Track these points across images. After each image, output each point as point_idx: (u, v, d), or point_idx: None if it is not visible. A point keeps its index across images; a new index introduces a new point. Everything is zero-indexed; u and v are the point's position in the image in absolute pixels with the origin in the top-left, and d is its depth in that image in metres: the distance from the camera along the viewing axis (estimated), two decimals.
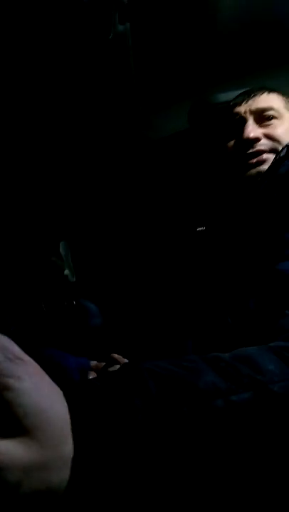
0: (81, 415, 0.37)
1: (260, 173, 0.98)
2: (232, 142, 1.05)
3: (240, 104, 1.05)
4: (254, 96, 1.05)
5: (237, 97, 1.09)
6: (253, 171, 1.00)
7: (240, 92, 1.10)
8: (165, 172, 1.31)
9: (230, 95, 1.16)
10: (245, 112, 1.03)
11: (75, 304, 1.35)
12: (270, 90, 1.07)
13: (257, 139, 0.99)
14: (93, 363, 1.02)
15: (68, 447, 0.35)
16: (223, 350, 0.56)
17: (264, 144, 1.00)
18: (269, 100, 1.04)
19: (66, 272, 1.46)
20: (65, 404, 0.37)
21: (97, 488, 0.36)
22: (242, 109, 1.04)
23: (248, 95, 1.06)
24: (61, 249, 1.48)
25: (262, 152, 0.99)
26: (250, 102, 1.04)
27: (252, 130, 1.00)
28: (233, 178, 1.05)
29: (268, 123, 1.02)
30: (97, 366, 1.00)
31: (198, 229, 1.13)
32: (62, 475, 0.34)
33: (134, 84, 1.12)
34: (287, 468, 0.48)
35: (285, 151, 0.95)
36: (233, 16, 1.10)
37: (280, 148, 0.97)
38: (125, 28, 1.05)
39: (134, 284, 1.26)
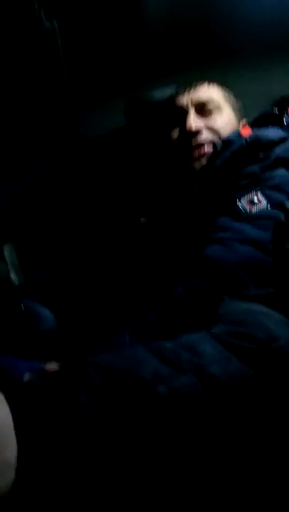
0: (23, 417, 0.38)
1: (200, 166, 1.01)
2: (175, 133, 1.07)
3: (182, 95, 1.07)
4: (195, 87, 1.07)
5: (178, 88, 1.12)
6: (196, 164, 1.02)
7: (171, 87, 1.11)
8: (103, 167, 1.31)
9: (166, 92, 1.17)
10: (187, 103, 1.05)
11: (23, 308, 1.32)
12: (211, 82, 1.09)
13: (199, 131, 1.02)
14: (50, 365, 1.01)
15: (12, 451, 0.36)
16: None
17: (205, 136, 1.02)
18: (209, 92, 1.07)
19: (12, 276, 1.42)
20: (7, 408, 0.37)
21: (43, 488, 0.36)
22: (184, 100, 1.06)
23: (189, 87, 1.08)
24: (5, 252, 1.44)
25: (203, 145, 1.01)
26: (191, 93, 1.06)
27: (194, 122, 1.02)
28: (174, 169, 1.06)
29: (208, 115, 1.05)
30: (54, 368, 0.99)
31: (142, 219, 1.14)
32: (6, 478, 0.35)
33: (65, 82, 1.10)
34: (232, 447, 0.50)
35: (220, 144, 0.97)
36: (160, 15, 1.10)
37: (218, 139, 0.99)
38: (53, 26, 1.02)
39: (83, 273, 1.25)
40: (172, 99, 1.09)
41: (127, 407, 0.44)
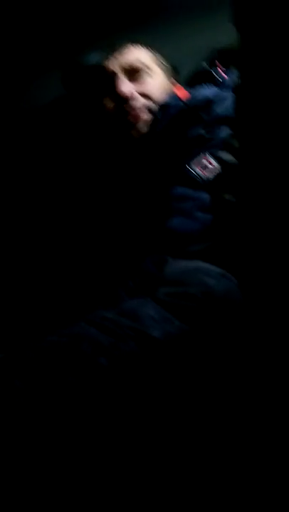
0: None
1: (140, 133, 0.98)
2: (108, 101, 1.05)
3: (109, 61, 1.05)
4: (121, 51, 1.05)
5: (104, 52, 1.08)
6: (134, 132, 1.01)
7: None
8: (49, 141, 1.27)
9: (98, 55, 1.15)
10: (114, 68, 1.03)
11: None
12: (136, 43, 1.07)
13: (131, 96, 1.00)
14: None
15: None
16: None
17: (138, 101, 1.01)
18: (137, 54, 1.05)
19: None
20: None
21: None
22: (112, 65, 1.04)
23: (117, 50, 1.05)
24: None
25: (137, 109, 1.00)
26: (118, 57, 1.04)
27: (123, 86, 1.00)
28: (115, 139, 1.05)
29: (139, 79, 1.03)
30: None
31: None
32: None
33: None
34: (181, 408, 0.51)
35: (160, 112, 0.96)
36: None
37: (154, 104, 0.97)
38: None
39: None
40: (100, 66, 1.06)
41: (70, 386, 0.45)
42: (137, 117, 1.00)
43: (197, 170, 0.87)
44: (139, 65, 1.03)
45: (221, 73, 1.10)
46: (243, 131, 0.77)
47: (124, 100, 1.00)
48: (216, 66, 1.12)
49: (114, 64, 1.04)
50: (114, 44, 1.07)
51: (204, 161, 0.87)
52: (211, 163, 0.86)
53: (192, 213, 0.82)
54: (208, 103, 0.95)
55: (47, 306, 1.07)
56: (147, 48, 1.08)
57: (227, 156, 0.81)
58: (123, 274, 0.87)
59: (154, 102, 1.01)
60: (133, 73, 1.03)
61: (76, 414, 0.44)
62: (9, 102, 1.20)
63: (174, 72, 1.16)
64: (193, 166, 0.87)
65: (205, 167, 0.86)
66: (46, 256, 1.16)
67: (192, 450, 0.52)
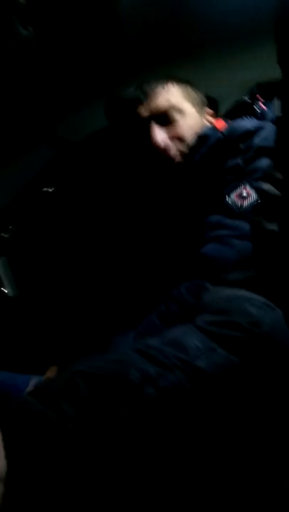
0: (11, 433, 0.38)
1: (176, 167, 1.01)
2: (143, 145, 1.06)
3: (140, 105, 1.06)
4: (152, 94, 1.05)
5: (134, 95, 1.09)
6: (170, 166, 1.02)
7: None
8: (89, 170, 1.31)
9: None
10: (147, 114, 1.04)
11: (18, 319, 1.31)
12: (166, 82, 1.07)
13: (167, 147, 1.02)
14: (51, 372, 0.99)
15: (1, 465, 0.36)
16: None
17: (173, 148, 1.03)
18: (168, 97, 1.05)
19: (6, 288, 1.41)
20: None
21: (31, 500, 0.37)
22: (143, 110, 1.05)
23: (145, 94, 1.06)
24: None
25: (175, 156, 1.01)
26: (150, 102, 1.05)
27: (158, 136, 1.02)
28: (154, 167, 1.07)
29: (171, 122, 1.04)
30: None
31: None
32: None
33: (44, 87, 1.11)
34: (228, 439, 0.49)
35: (196, 140, 0.98)
36: (134, 15, 1.12)
37: (187, 147, 0.99)
38: (29, 32, 1.03)
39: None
40: (133, 105, 1.08)
41: (116, 413, 0.44)
42: (172, 164, 1.01)
43: (234, 199, 0.87)
44: (169, 108, 1.04)
45: (261, 106, 1.11)
46: (286, 161, 0.77)
47: (160, 150, 1.02)
48: (256, 99, 1.14)
49: (147, 109, 1.05)
50: (146, 85, 1.08)
51: (242, 191, 0.87)
52: (248, 193, 0.86)
53: (227, 240, 0.82)
54: (248, 134, 0.95)
55: (81, 328, 1.08)
56: (179, 85, 1.09)
57: (268, 187, 0.81)
58: (157, 299, 0.86)
59: (187, 143, 1.02)
60: (164, 117, 1.04)
61: (124, 444, 0.43)
62: (49, 132, 1.26)
63: (213, 104, 1.18)
64: (230, 195, 0.88)
65: (242, 196, 0.87)
66: (82, 276, 1.18)
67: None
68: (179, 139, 1.03)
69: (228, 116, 1.15)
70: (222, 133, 0.98)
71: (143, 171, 1.16)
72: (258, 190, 0.84)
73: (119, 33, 1.13)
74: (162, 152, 1.02)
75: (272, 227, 0.75)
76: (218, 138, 0.97)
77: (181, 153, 1.01)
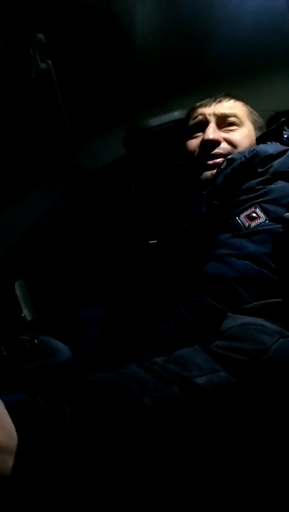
0: (23, 421, 0.46)
1: (207, 179, 1.02)
2: (193, 141, 1.08)
3: (205, 106, 1.09)
4: (220, 101, 1.09)
5: (203, 100, 1.12)
6: (208, 173, 1.03)
7: (167, 115, 1.14)
8: (108, 196, 1.33)
9: (161, 120, 1.22)
10: (209, 114, 1.07)
11: (36, 343, 1.32)
12: (236, 98, 1.11)
13: (217, 142, 1.03)
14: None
15: (14, 443, 0.44)
16: None
17: (223, 147, 1.04)
18: (234, 107, 1.09)
19: (24, 311, 1.43)
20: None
21: (34, 474, 0.44)
22: (207, 110, 1.08)
23: (214, 99, 1.10)
24: (17, 289, 1.45)
25: (220, 156, 1.03)
26: (216, 105, 1.08)
27: (213, 132, 1.04)
28: (181, 187, 1.07)
29: (228, 128, 1.06)
30: None
31: (150, 242, 1.14)
32: (7, 463, 0.43)
33: (64, 118, 1.14)
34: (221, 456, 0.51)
35: (225, 163, 0.98)
36: (151, 47, 1.15)
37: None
38: (48, 66, 1.07)
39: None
40: (197, 107, 1.11)
41: (110, 417, 0.48)
42: (216, 163, 1.02)
43: (243, 219, 0.87)
44: (232, 115, 1.07)
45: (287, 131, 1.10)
46: None
47: (210, 145, 1.03)
48: (281, 126, 1.13)
49: (211, 110, 1.07)
50: (219, 94, 1.12)
51: (251, 212, 0.87)
52: (257, 215, 0.86)
53: (228, 260, 0.82)
54: (268, 158, 0.95)
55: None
56: (247, 105, 1.12)
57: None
58: (155, 318, 0.86)
59: (237, 148, 1.04)
60: (225, 122, 1.06)
61: (119, 450, 0.47)
62: (70, 160, 1.29)
63: (264, 129, 1.19)
64: (240, 216, 0.88)
65: (251, 217, 0.87)
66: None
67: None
68: (231, 143, 1.05)
69: (257, 141, 1.15)
70: (244, 156, 0.98)
71: (166, 194, 1.17)
72: (269, 214, 0.84)
73: (137, 63, 1.16)
74: (210, 145, 1.03)
75: None
76: (241, 161, 0.97)
77: (228, 154, 1.01)
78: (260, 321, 0.67)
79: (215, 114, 1.07)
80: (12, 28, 0.99)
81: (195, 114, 1.10)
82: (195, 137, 1.08)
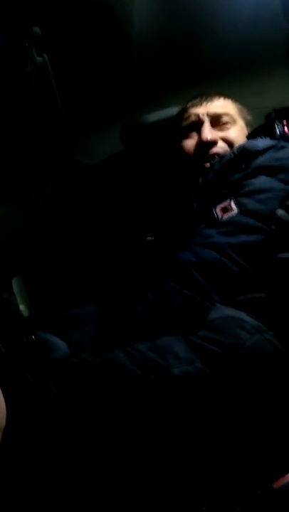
0: (12, 399, 0.48)
1: (204, 177, 1.01)
2: (189, 141, 1.07)
3: (197, 106, 1.08)
4: (212, 100, 1.09)
5: (193, 98, 1.12)
6: (201, 175, 1.02)
7: (164, 111, 1.13)
8: (104, 192, 1.33)
9: (158, 115, 1.21)
10: (203, 114, 1.07)
11: (34, 339, 1.31)
12: (225, 96, 1.11)
13: (214, 142, 1.03)
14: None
15: (2, 417, 0.47)
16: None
17: (220, 146, 1.04)
18: (225, 106, 1.09)
19: (21, 307, 1.43)
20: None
21: (20, 451, 0.47)
22: (200, 110, 1.07)
23: (205, 98, 1.09)
24: (14, 285, 1.45)
25: (217, 155, 1.02)
26: (207, 104, 1.08)
27: (210, 132, 1.04)
28: (175, 185, 1.09)
29: (223, 126, 1.06)
30: None
31: (148, 238, 1.15)
32: None
33: (59, 112, 1.14)
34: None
35: (216, 159, 0.98)
36: (148, 41, 1.14)
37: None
38: (44, 59, 1.06)
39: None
40: (188, 107, 1.10)
41: (89, 400, 0.51)
42: (212, 164, 1.02)
43: (218, 211, 0.89)
44: (225, 114, 1.07)
45: (285, 128, 1.10)
46: None
47: (207, 146, 1.03)
48: (280, 121, 1.13)
49: (204, 110, 1.07)
50: (206, 93, 1.11)
51: (226, 205, 0.89)
52: (231, 208, 0.88)
53: (195, 248, 0.85)
54: (255, 153, 0.95)
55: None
56: (237, 104, 1.12)
57: (281, 213, 0.81)
58: (125, 305, 0.87)
59: (233, 146, 1.03)
60: (219, 122, 1.06)
61: (98, 430, 0.51)
62: (66, 155, 1.28)
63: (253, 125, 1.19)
64: (217, 208, 0.90)
65: (225, 210, 0.89)
66: None
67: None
68: (227, 141, 1.05)
69: (248, 137, 1.15)
70: (233, 152, 0.98)
71: (161, 190, 1.17)
72: (241, 207, 0.86)
73: (134, 58, 1.15)
74: (208, 145, 1.03)
75: (286, 255, 0.75)
76: (230, 157, 0.97)
77: (221, 154, 1.02)
78: (241, 314, 0.70)
79: (208, 114, 1.06)
80: (8, 22, 0.98)
81: (187, 115, 1.09)
82: (190, 138, 1.08)
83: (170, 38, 1.15)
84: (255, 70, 1.21)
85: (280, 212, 0.82)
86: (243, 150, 0.95)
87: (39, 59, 1.05)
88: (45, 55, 1.05)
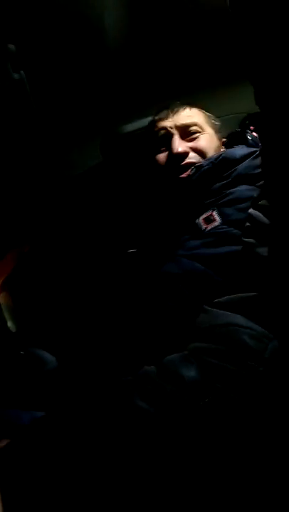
0: None
1: (181, 189, 1.02)
2: (160, 156, 1.08)
3: (165, 119, 1.09)
4: (178, 111, 1.09)
5: (159, 111, 1.13)
6: (177, 187, 1.03)
7: (143, 120, 1.15)
8: (86, 204, 1.34)
9: (136, 125, 1.23)
10: (171, 127, 1.07)
11: (23, 353, 1.31)
12: (191, 105, 1.12)
13: (185, 153, 1.04)
14: None
15: None
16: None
17: (192, 156, 1.04)
18: (192, 115, 1.09)
19: (9, 323, 1.42)
20: None
21: None
22: (167, 123, 1.08)
23: (171, 110, 1.10)
24: (0, 300, 1.44)
25: (191, 165, 1.03)
26: (174, 117, 1.09)
27: (179, 145, 1.04)
28: (155, 196, 1.09)
29: (192, 137, 1.07)
30: None
31: (130, 251, 1.15)
32: None
33: (36, 127, 1.14)
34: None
35: (194, 170, 1.00)
36: (125, 54, 1.16)
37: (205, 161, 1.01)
38: (21, 76, 1.07)
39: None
40: (156, 121, 1.11)
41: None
42: (188, 175, 1.02)
43: (200, 222, 0.90)
44: (192, 124, 1.07)
45: (254, 134, 1.13)
46: (269, 189, 0.78)
47: (179, 158, 1.04)
48: (248, 129, 1.16)
49: (171, 122, 1.08)
50: (169, 104, 1.12)
51: (209, 215, 0.90)
52: (214, 217, 0.89)
53: (179, 259, 0.85)
54: (234, 162, 0.97)
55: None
56: (202, 111, 1.13)
57: (256, 213, 0.82)
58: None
59: (204, 157, 1.05)
60: (188, 132, 1.07)
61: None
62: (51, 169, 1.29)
63: (222, 131, 1.21)
64: (199, 218, 0.91)
65: (208, 220, 0.90)
66: None
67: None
68: (198, 151, 1.05)
69: (225, 146, 1.17)
70: (212, 162, 1.00)
71: (142, 201, 1.18)
72: (224, 217, 0.87)
73: (110, 71, 1.17)
74: (179, 157, 1.03)
75: (262, 251, 0.75)
76: (208, 167, 0.99)
77: (195, 164, 1.02)
78: (242, 320, 0.67)
79: (177, 126, 1.07)
80: None
81: (156, 129, 1.10)
82: (161, 151, 1.08)
83: (146, 49, 1.17)
84: (230, 75, 1.23)
85: (253, 211, 0.82)
86: (223, 159, 0.97)
87: (16, 75, 1.06)
88: (21, 72, 1.06)
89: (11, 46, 1.01)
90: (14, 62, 1.04)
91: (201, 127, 1.08)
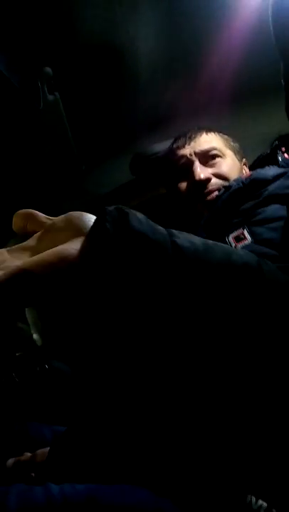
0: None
1: (206, 210, 1.02)
2: (183, 184, 1.08)
3: (183, 147, 1.09)
4: (195, 138, 1.09)
5: (177, 139, 1.13)
6: (212, 206, 1.02)
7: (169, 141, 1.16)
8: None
9: (163, 146, 1.24)
10: (190, 155, 1.07)
11: (47, 367, 1.32)
12: (208, 130, 1.12)
13: (208, 180, 1.04)
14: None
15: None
16: None
17: (214, 183, 1.04)
18: (209, 140, 1.09)
19: (35, 336, 1.44)
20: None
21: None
22: (186, 151, 1.08)
23: (189, 138, 1.10)
24: (27, 314, 1.46)
25: (214, 191, 1.03)
26: (192, 144, 1.09)
27: (201, 172, 1.04)
28: (184, 218, 1.09)
29: (213, 162, 1.07)
30: None
31: None
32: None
33: (71, 146, 1.18)
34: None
35: (222, 190, 1.00)
36: (152, 74, 1.18)
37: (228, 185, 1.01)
38: (55, 97, 1.11)
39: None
40: (175, 149, 1.11)
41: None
42: (213, 198, 1.02)
43: (231, 240, 0.89)
44: (212, 149, 1.07)
45: (285, 156, 1.12)
46: None
47: (201, 185, 1.04)
48: (279, 149, 1.15)
49: (190, 150, 1.08)
50: (188, 131, 1.13)
51: (239, 234, 0.89)
52: (244, 237, 0.88)
53: None
54: (265, 182, 0.96)
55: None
56: (221, 135, 1.13)
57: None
58: None
59: (228, 180, 1.04)
60: (208, 158, 1.07)
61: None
62: (76, 186, 1.31)
63: (241, 151, 1.21)
64: (229, 237, 0.90)
65: (238, 238, 0.88)
66: None
67: None
68: (219, 176, 1.05)
69: (253, 167, 1.16)
70: (242, 182, 0.99)
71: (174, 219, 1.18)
72: (255, 236, 0.85)
73: (139, 93, 1.19)
74: (202, 184, 1.04)
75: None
76: (238, 187, 0.99)
77: (219, 189, 1.02)
78: None
79: (196, 153, 1.07)
80: (21, 64, 1.04)
81: (176, 157, 1.10)
82: (183, 179, 1.08)
83: (174, 72, 1.19)
84: (259, 95, 1.23)
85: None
86: (254, 180, 0.96)
87: (51, 97, 1.10)
88: (56, 93, 1.10)
89: (47, 69, 1.05)
90: (49, 84, 1.08)
91: (220, 151, 1.08)
